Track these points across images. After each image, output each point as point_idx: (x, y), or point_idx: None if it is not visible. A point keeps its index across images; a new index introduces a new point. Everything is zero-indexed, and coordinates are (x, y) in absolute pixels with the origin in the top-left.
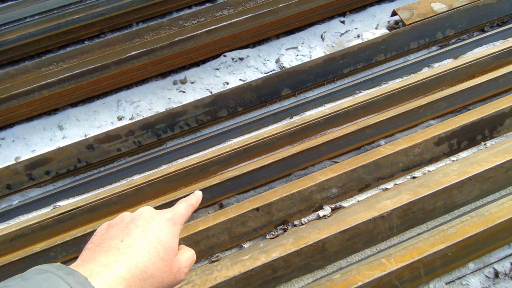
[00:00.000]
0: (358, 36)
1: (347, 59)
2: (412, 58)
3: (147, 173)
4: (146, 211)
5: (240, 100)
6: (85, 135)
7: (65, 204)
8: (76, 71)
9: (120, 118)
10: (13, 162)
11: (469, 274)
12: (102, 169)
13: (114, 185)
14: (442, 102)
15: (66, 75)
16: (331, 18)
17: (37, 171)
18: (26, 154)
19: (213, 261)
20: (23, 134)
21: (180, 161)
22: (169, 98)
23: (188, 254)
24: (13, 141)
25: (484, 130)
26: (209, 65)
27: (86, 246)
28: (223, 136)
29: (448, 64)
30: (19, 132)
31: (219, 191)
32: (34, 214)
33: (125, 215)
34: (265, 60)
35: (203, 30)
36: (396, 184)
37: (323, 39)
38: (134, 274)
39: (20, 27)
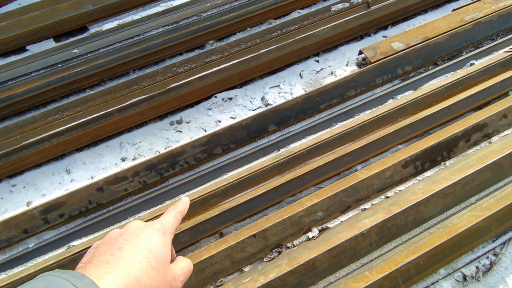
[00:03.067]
0: (332, 72)
1: (322, 96)
2: (379, 91)
3: (152, 209)
4: (134, 225)
5: (233, 137)
6: (92, 177)
7: (79, 243)
8: (82, 120)
9: (123, 159)
10: (25, 207)
11: (441, 279)
12: (111, 208)
13: (123, 222)
14: (406, 129)
15: (74, 123)
16: (307, 58)
17: (51, 214)
18: (37, 198)
19: (218, 286)
20: (33, 180)
21: (182, 195)
22: (167, 138)
23: (183, 264)
24: (24, 187)
25: (443, 152)
26: (202, 106)
27: (77, 267)
28: (219, 171)
29: (409, 95)
30: (29, 178)
31: (219, 221)
32: (50, 255)
33: (114, 231)
34: (251, 98)
35: (195, 77)
36: (372, 204)
37: (301, 77)
38: (128, 284)
39: (27, 81)
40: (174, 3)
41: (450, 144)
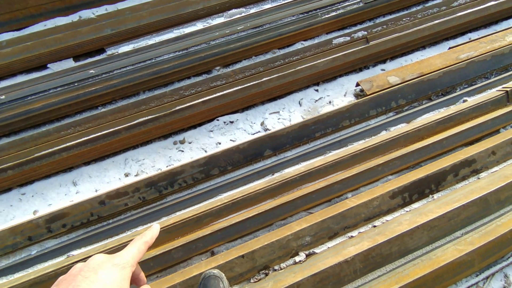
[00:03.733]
0: (330, 102)
1: (318, 125)
2: (373, 122)
3: (149, 224)
4: (95, 260)
5: (230, 160)
6: (96, 190)
7: (78, 253)
8: (91, 136)
9: (126, 175)
10: (32, 215)
11: None
12: (111, 221)
13: (121, 235)
14: (397, 161)
15: (83, 139)
16: (307, 87)
17: (55, 224)
18: (43, 208)
19: None
20: (41, 189)
21: (178, 213)
22: (170, 157)
23: None
24: (32, 196)
25: (431, 185)
26: (204, 128)
27: None
28: (215, 191)
29: (401, 128)
30: (38, 188)
31: (211, 240)
32: (50, 263)
33: (76, 266)
34: (252, 123)
35: (199, 100)
36: (360, 232)
37: (300, 105)
38: None
39: (45, 97)
40: (186, 30)
41: (438, 178)
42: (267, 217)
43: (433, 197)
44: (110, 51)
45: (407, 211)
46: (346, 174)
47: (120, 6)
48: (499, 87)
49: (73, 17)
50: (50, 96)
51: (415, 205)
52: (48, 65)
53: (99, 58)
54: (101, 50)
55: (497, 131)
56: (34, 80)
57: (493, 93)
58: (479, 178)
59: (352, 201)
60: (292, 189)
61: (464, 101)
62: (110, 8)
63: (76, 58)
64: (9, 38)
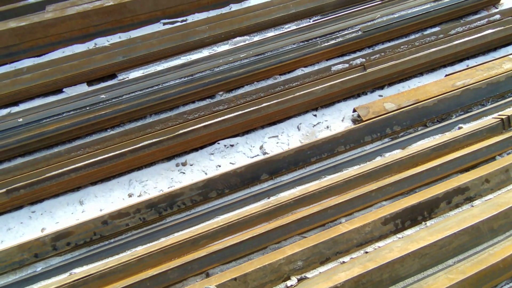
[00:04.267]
0: (328, 127)
1: (313, 150)
2: (368, 148)
3: (148, 244)
4: None
5: (227, 183)
6: (101, 210)
7: (80, 271)
8: (99, 158)
9: (130, 195)
10: (40, 232)
11: None
12: (112, 240)
13: (121, 255)
14: (391, 187)
15: (91, 160)
16: (306, 112)
17: (60, 242)
18: (51, 225)
19: None
20: (50, 208)
21: (176, 234)
22: (172, 178)
23: None
24: (42, 214)
25: (424, 212)
26: (206, 151)
27: None
28: (212, 214)
29: (396, 154)
30: (47, 206)
31: (206, 262)
32: (53, 280)
33: None
34: (251, 146)
35: (201, 125)
36: (352, 258)
37: (299, 129)
38: None
39: (58, 120)
40: (193, 57)
41: (431, 205)
42: (261, 240)
43: (425, 224)
44: (121, 76)
45: (399, 238)
46: (340, 199)
47: (133, 34)
48: (495, 115)
49: (89, 45)
50: (64, 119)
51: (408, 232)
52: (64, 89)
53: (110, 83)
54: (113, 75)
55: (493, 158)
56: (50, 104)
57: (488, 120)
58: (472, 206)
59: (345, 226)
60: (287, 213)
61: (460, 128)
62: (124, 36)
63: (90, 83)
64: (30, 64)
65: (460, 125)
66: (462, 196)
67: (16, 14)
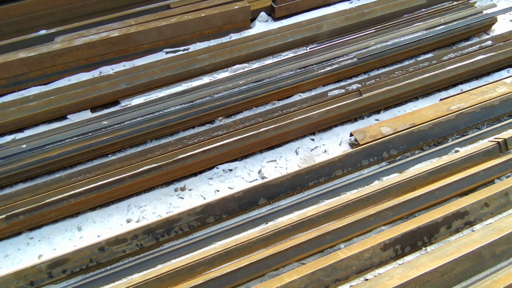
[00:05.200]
0: (325, 151)
1: (311, 174)
2: (366, 172)
3: (145, 272)
4: None
5: (225, 208)
6: (99, 235)
7: None
8: (99, 183)
9: (128, 221)
10: (37, 259)
11: None
12: (108, 268)
13: (117, 283)
14: (389, 211)
15: (91, 186)
16: (303, 136)
17: (56, 269)
18: (48, 252)
19: None
20: (48, 234)
21: (173, 261)
22: (170, 203)
23: None
24: (39, 240)
25: (423, 237)
26: (204, 175)
27: None
28: (210, 240)
29: (394, 178)
30: (45, 232)
31: None
32: None
33: None
34: (250, 171)
35: (200, 150)
36: (351, 286)
37: (297, 153)
38: None
39: (61, 146)
40: (194, 84)
41: (430, 230)
42: (259, 267)
43: (426, 249)
44: (124, 103)
45: (399, 264)
46: (338, 224)
47: (136, 62)
48: (491, 138)
49: (94, 73)
50: (66, 145)
51: (408, 258)
52: (68, 116)
53: (113, 110)
54: (116, 102)
55: (491, 182)
56: (53, 130)
57: (485, 143)
58: (473, 231)
59: (343, 252)
60: (285, 239)
61: (456, 151)
62: (128, 64)
63: (93, 109)
64: (37, 92)
65: (456, 149)
66: (462, 221)
67: (26, 45)
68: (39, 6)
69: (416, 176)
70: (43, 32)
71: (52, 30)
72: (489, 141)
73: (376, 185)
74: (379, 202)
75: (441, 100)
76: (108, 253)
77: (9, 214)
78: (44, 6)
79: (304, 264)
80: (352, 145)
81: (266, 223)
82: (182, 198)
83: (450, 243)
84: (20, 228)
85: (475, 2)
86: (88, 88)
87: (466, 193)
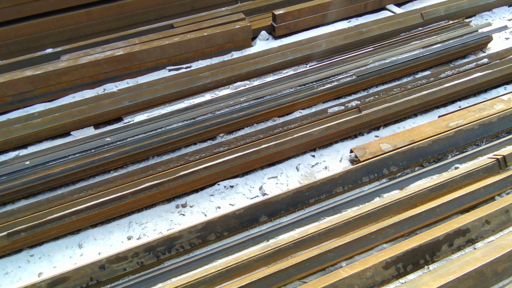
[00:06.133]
0: (326, 167)
1: (312, 191)
2: (366, 189)
3: None
4: None
5: (226, 226)
6: (99, 253)
7: None
8: (100, 200)
9: (129, 238)
10: (37, 277)
11: None
12: (108, 286)
13: None
14: (391, 229)
15: (93, 203)
16: (304, 153)
17: None
18: (48, 270)
19: None
20: (48, 251)
21: (174, 280)
22: (171, 220)
23: None
24: (40, 258)
25: (425, 255)
26: (206, 192)
27: None
28: (211, 257)
29: (394, 195)
30: (46, 250)
31: None
32: None
33: None
34: (251, 187)
35: (202, 166)
36: None
37: (298, 170)
38: None
39: (64, 162)
40: (196, 101)
41: (432, 248)
42: (261, 286)
43: (428, 268)
44: (127, 120)
45: (402, 283)
46: (339, 241)
47: (140, 80)
48: (490, 155)
49: (99, 90)
50: (69, 161)
51: (410, 277)
52: (71, 133)
53: (116, 127)
54: (119, 119)
55: (492, 199)
56: (57, 147)
57: (484, 160)
58: (475, 249)
59: (345, 271)
60: (286, 257)
61: (456, 168)
62: (131, 82)
63: (96, 126)
64: (41, 109)
65: (456, 165)
66: (464, 238)
67: (33, 63)
68: (46, 25)
69: (417, 193)
70: (49, 50)
71: (58, 49)
72: (488, 157)
73: (377, 202)
74: (380, 219)
75: (439, 116)
76: (109, 271)
77: (10, 231)
78: (51, 25)
79: (305, 282)
80: (352, 161)
81: (267, 241)
82: (183, 214)
83: (452, 261)
84: (21, 245)
85: (470, 21)
86: (92, 105)
87: (467, 210)
